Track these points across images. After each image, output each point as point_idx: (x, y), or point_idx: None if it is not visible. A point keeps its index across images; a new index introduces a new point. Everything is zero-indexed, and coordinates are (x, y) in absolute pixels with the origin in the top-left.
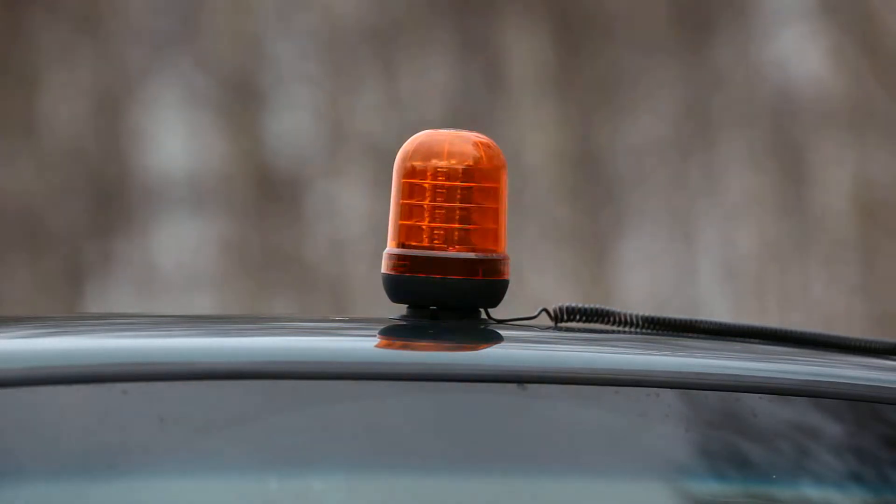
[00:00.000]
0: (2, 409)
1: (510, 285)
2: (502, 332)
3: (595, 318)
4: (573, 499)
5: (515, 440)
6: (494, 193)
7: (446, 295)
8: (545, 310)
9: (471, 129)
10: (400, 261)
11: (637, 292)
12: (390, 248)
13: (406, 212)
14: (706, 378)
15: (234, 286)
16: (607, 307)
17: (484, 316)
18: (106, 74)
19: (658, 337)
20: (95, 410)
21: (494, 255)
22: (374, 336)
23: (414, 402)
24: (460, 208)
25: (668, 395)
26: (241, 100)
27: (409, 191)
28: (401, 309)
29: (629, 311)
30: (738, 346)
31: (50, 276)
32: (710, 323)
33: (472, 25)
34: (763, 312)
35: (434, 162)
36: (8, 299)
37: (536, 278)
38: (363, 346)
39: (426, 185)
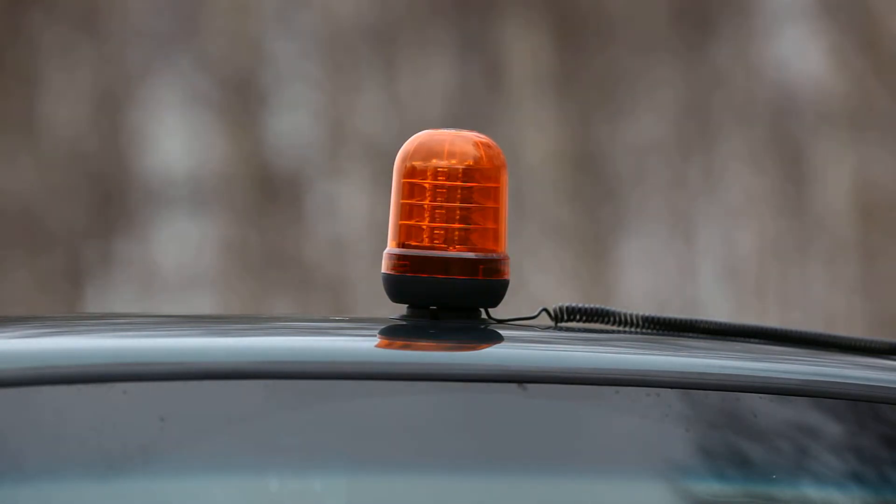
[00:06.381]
0: (2, 409)
1: (510, 285)
2: (502, 332)
3: (595, 318)
4: (573, 499)
5: (515, 440)
6: (494, 193)
7: (446, 295)
8: (545, 310)
9: (471, 129)
10: (400, 261)
11: (637, 292)
12: (390, 248)
13: (406, 212)
14: (706, 378)
15: (235, 286)
16: (607, 307)
17: (484, 316)
18: (106, 74)
19: (658, 337)
20: (95, 410)
21: (494, 255)
22: (374, 336)
23: (414, 402)
24: (460, 208)
25: (668, 395)
26: (241, 100)
27: (409, 191)
28: (401, 309)
29: (629, 311)
30: (738, 346)
31: (50, 276)
32: (710, 323)
33: (472, 25)
34: (763, 312)
35: (434, 162)
36: (8, 299)
37: (536, 278)
38: (363, 346)
39: (426, 185)
